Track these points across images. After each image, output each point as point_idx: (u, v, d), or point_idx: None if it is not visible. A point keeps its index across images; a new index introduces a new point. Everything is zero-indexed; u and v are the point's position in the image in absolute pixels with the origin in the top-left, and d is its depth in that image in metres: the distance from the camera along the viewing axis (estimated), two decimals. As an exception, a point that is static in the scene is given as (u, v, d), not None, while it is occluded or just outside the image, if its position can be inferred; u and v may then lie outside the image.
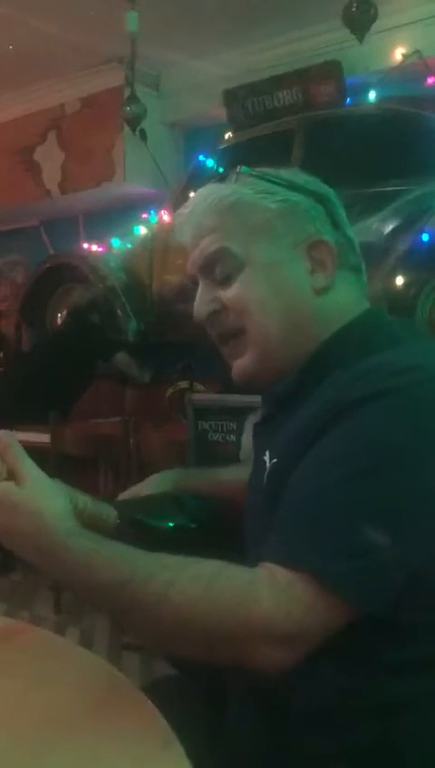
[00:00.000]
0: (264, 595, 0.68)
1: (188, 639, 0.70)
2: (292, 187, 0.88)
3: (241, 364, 0.89)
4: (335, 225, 0.88)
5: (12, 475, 0.73)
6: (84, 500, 0.88)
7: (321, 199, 0.88)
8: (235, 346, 0.89)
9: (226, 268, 0.87)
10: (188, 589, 0.69)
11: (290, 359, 0.86)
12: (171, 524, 0.94)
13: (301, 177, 0.90)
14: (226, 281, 0.88)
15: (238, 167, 0.90)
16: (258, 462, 0.90)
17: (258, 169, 0.90)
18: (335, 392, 0.76)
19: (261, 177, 0.89)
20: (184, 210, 0.92)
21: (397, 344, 0.82)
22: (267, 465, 0.85)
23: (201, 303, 0.91)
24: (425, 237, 2.65)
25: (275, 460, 0.83)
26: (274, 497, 0.77)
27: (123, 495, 1.08)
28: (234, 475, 1.12)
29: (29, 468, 0.74)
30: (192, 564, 0.71)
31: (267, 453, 0.85)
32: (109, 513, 0.91)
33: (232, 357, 0.90)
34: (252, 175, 0.89)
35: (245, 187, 0.88)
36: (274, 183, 0.88)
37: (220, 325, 0.90)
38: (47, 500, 0.73)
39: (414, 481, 0.70)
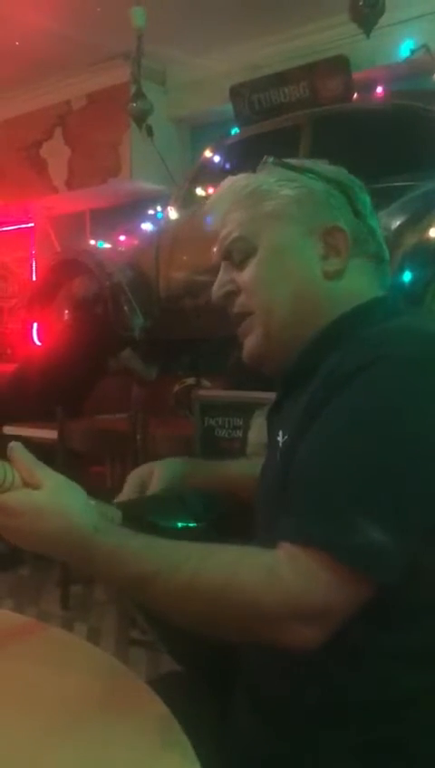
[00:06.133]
0: (286, 576, 0.70)
1: (219, 625, 0.74)
2: (313, 175, 0.90)
3: (247, 343, 0.93)
4: (356, 213, 0.90)
5: (27, 483, 0.73)
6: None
7: (342, 188, 0.90)
8: (245, 326, 0.93)
9: (241, 253, 0.91)
10: (213, 577, 0.71)
11: (296, 340, 0.88)
12: (176, 525, 0.94)
13: (324, 167, 0.93)
14: (241, 264, 0.92)
15: (266, 157, 0.94)
16: (272, 443, 0.91)
17: (281, 159, 0.94)
18: (334, 366, 0.78)
19: (283, 166, 0.92)
20: (212, 199, 0.97)
21: (396, 317, 0.83)
22: (280, 444, 0.86)
23: (218, 285, 0.95)
24: (432, 233, 2.64)
25: (286, 437, 0.85)
26: (285, 474, 0.79)
27: (129, 480, 1.08)
28: (241, 470, 1.12)
29: (44, 472, 0.74)
30: (214, 552, 0.74)
31: (280, 432, 0.87)
32: (113, 514, 0.91)
33: (243, 336, 0.94)
34: (276, 164, 0.93)
35: (268, 175, 0.92)
36: (295, 171, 0.91)
37: (233, 306, 0.93)
38: (69, 499, 0.73)
39: (414, 448, 0.71)
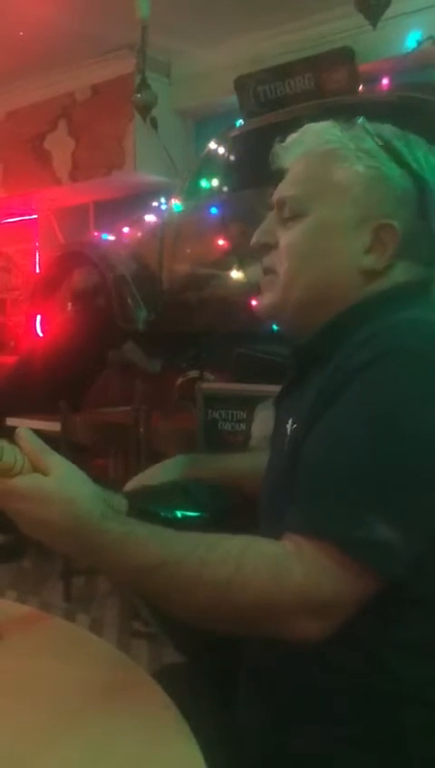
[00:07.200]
0: (294, 569, 0.69)
1: (225, 618, 0.72)
2: (397, 159, 0.85)
3: (262, 299, 0.93)
4: (423, 214, 0.85)
5: (36, 469, 0.73)
6: None
7: (421, 184, 0.85)
8: (267, 282, 0.92)
9: (292, 211, 0.89)
10: (220, 568, 0.70)
11: (311, 318, 0.87)
12: (181, 514, 0.94)
13: (418, 155, 0.86)
14: (288, 221, 0.90)
15: (359, 118, 0.90)
16: (280, 431, 0.91)
17: (374, 126, 0.89)
18: (345, 357, 0.77)
19: (371, 136, 0.87)
20: (292, 136, 0.94)
21: (409, 307, 0.81)
22: (289, 431, 0.86)
23: (261, 231, 0.93)
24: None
25: (296, 425, 0.84)
26: (294, 462, 0.78)
27: (132, 482, 1.09)
28: (244, 463, 1.12)
29: (53, 458, 0.74)
30: (222, 541, 0.72)
31: (290, 420, 0.86)
32: (118, 502, 0.91)
33: (262, 290, 0.93)
34: (366, 130, 0.88)
35: (352, 139, 0.87)
36: (379, 146, 0.86)
37: (264, 258, 0.93)
38: (77, 486, 0.72)
39: (423, 445, 0.70)
